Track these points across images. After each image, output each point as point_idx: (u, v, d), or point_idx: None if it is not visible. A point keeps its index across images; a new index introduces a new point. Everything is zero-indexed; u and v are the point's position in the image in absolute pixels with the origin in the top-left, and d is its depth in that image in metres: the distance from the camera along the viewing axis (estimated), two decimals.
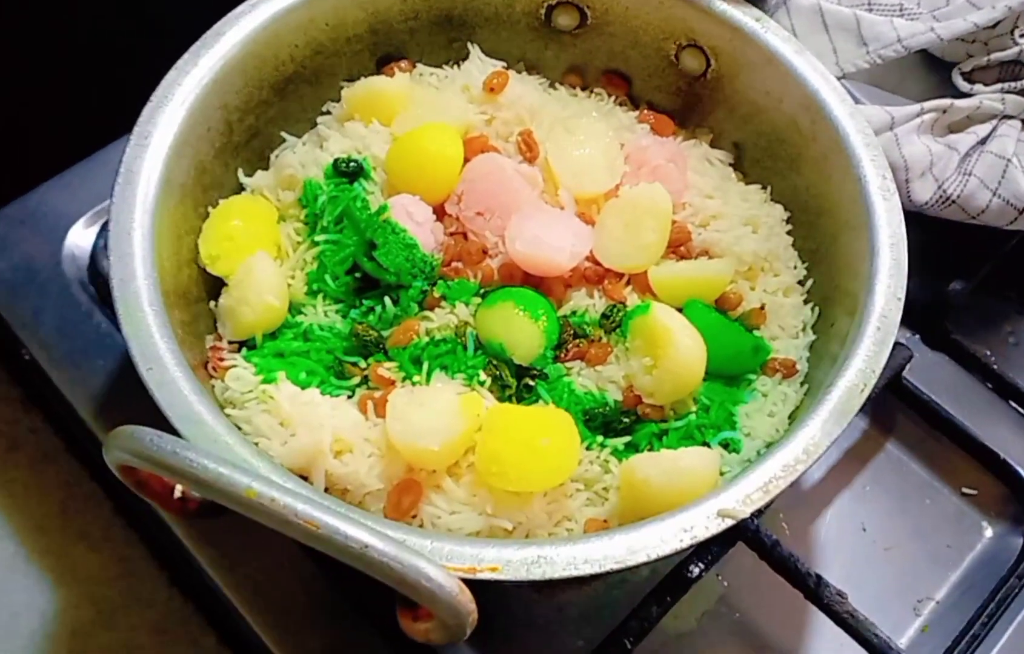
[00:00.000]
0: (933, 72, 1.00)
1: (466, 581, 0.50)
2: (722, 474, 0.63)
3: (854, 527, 0.80)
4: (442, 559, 0.52)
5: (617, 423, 0.65)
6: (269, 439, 0.63)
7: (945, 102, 0.87)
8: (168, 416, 0.56)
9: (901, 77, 1.00)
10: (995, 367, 0.86)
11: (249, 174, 0.76)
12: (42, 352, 0.80)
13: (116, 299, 0.60)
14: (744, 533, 0.70)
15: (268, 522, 0.44)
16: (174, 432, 0.55)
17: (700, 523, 0.55)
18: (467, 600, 0.46)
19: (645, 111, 0.83)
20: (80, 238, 0.86)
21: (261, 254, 0.69)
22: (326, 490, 0.62)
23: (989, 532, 0.80)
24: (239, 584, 0.71)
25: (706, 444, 0.65)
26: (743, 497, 0.56)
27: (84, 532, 0.85)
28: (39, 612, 0.79)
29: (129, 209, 0.63)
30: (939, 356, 0.87)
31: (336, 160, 0.73)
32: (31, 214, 0.86)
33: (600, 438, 0.65)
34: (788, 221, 0.78)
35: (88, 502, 0.86)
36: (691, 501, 0.57)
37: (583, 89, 0.85)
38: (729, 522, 0.55)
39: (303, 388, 0.66)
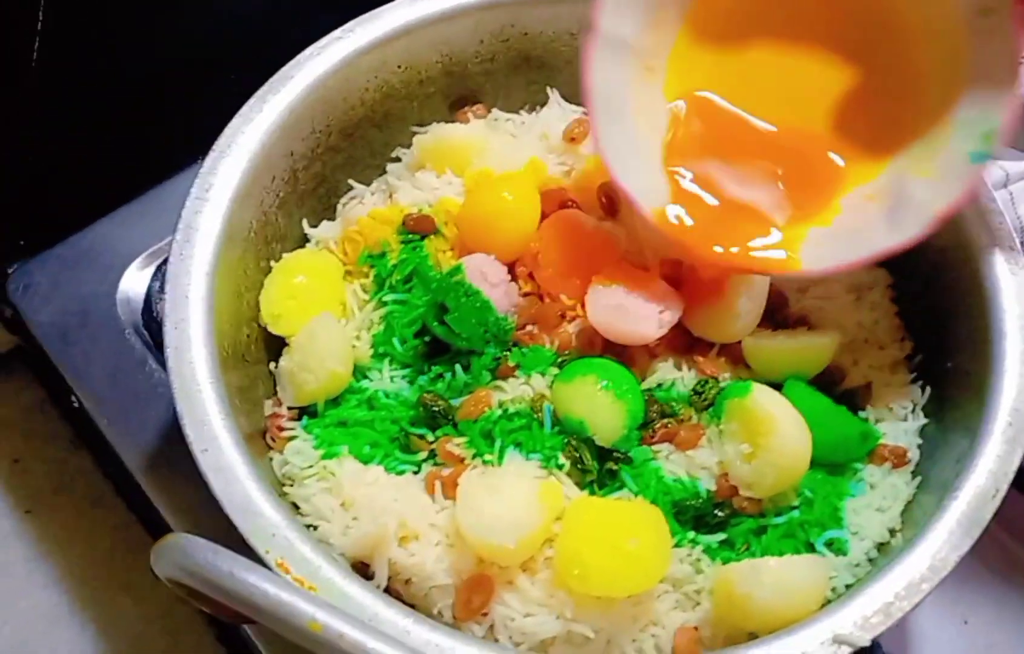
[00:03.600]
0: None
1: None
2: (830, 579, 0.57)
3: (956, 620, 0.73)
4: None
5: (710, 517, 0.59)
6: (329, 522, 0.58)
7: None
8: (224, 505, 0.52)
9: None
10: None
11: (314, 224, 0.72)
12: (91, 400, 0.77)
13: (171, 371, 0.56)
14: None
15: None
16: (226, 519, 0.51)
17: (812, 650, 0.48)
18: None
19: None
20: (135, 281, 0.82)
21: (325, 315, 0.64)
22: (388, 581, 0.57)
23: None
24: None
25: (810, 544, 0.58)
26: (862, 620, 0.49)
27: (130, 582, 0.82)
28: None
29: (187, 270, 0.59)
30: None
31: (406, 217, 0.68)
32: (85, 254, 0.83)
33: (691, 534, 0.59)
34: (894, 287, 0.71)
35: (135, 550, 0.83)
36: (796, 618, 0.51)
37: None
38: (846, 650, 0.48)
39: (366, 463, 0.61)
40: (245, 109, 0.65)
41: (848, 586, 0.57)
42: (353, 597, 0.49)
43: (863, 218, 0.62)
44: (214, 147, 0.64)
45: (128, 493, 0.84)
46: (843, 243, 0.62)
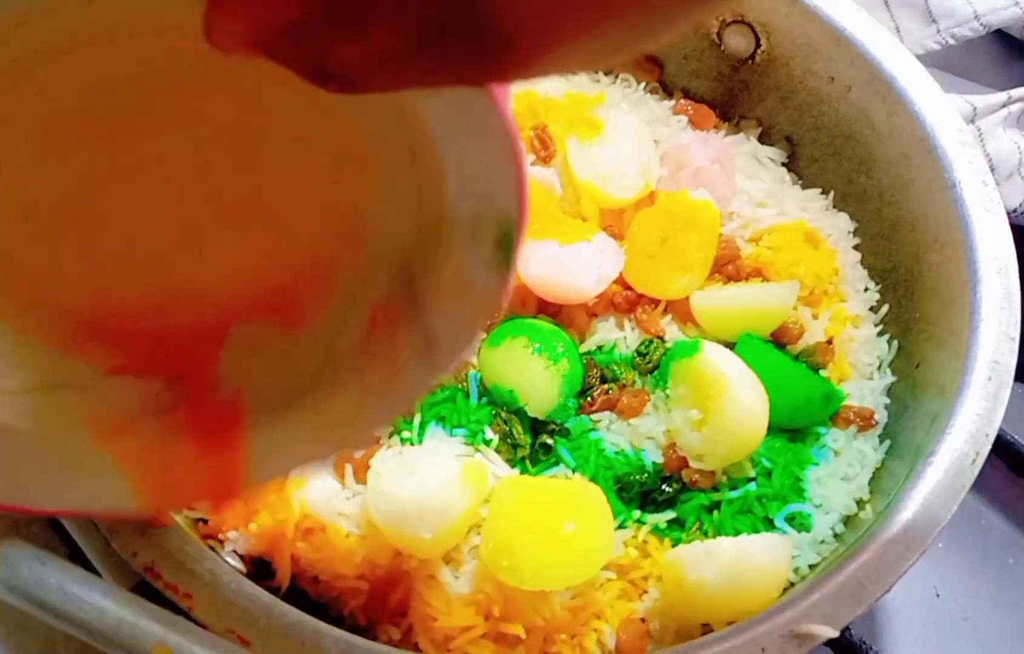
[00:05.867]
0: (1007, 53, 0.88)
1: None
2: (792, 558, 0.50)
3: (926, 593, 0.68)
4: None
5: (657, 494, 0.52)
6: (222, 515, 0.50)
7: None
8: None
9: (969, 60, 0.87)
10: None
11: None
12: None
13: None
14: None
15: None
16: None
17: (774, 645, 0.42)
18: None
19: (681, 100, 0.70)
20: None
21: None
22: (293, 577, 0.50)
23: None
24: None
25: (769, 520, 0.52)
26: (829, 609, 0.43)
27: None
28: None
29: None
30: None
31: None
32: None
33: (637, 513, 0.52)
34: (855, 234, 0.65)
35: None
36: (755, 606, 0.44)
37: (607, 74, 0.72)
38: (810, 645, 0.42)
39: None
40: None
41: (812, 567, 0.51)
42: (236, 602, 0.41)
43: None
44: None
45: None
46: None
